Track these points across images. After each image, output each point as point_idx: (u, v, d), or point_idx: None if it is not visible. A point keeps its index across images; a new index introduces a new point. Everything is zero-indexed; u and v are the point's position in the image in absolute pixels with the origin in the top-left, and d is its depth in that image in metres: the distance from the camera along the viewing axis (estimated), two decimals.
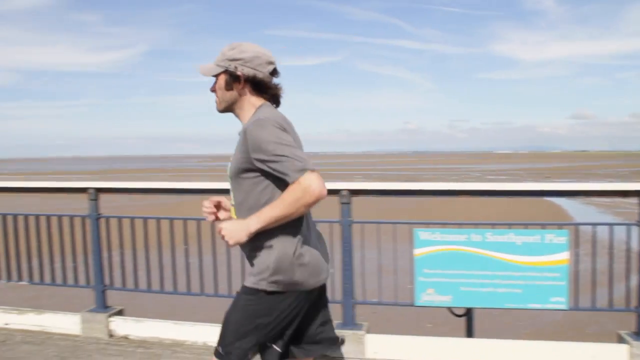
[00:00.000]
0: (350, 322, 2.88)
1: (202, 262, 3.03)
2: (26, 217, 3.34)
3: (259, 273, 1.54)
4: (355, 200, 2.85)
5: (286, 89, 1.65)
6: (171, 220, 3.09)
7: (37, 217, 3.34)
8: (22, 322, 3.39)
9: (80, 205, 3.41)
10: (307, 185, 1.39)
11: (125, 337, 3.18)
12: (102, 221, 3.19)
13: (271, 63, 1.62)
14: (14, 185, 3.70)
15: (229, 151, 1.70)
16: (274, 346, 1.63)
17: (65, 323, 3.28)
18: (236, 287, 2.80)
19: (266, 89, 1.61)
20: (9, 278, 3.41)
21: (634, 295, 2.65)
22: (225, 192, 1.78)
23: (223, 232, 1.49)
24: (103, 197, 3.23)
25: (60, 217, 3.28)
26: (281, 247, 1.52)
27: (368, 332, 2.86)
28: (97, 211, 3.17)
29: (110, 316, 3.19)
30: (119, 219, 3.18)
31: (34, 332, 3.32)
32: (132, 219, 3.15)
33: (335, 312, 2.74)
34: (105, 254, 3.21)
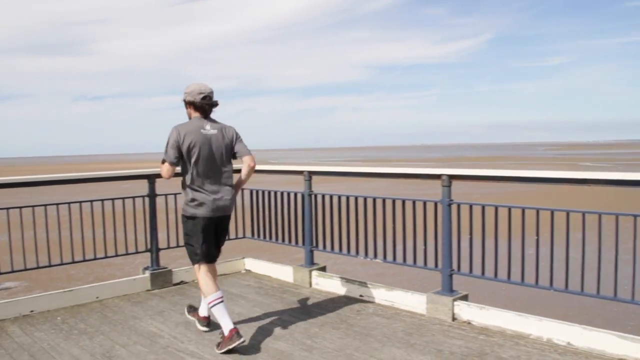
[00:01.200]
0: None
1: (552, 254, 4.49)
2: (384, 200, 5.52)
3: (182, 207, 4.72)
4: None
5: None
6: (523, 209, 4.66)
7: (391, 200, 5.46)
8: (374, 295, 5.59)
9: (427, 191, 5.36)
10: (161, 167, 4.59)
11: (468, 322, 4.92)
12: (454, 207, 5.03)
13: (201, 93, 4.51)
14: (369, 170, 6.02)
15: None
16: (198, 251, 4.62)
17: (412, 301, 5.28)
18: (589, 286, 4.19)
19: (197, 107, 4.57)
20: (366, 255, 5.66)
21: None
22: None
23: None
24: (454, 183, 5.07)
25: (414, 201, 5.30)
26: (184, 195, 4.63)
27: None
28: (449, 197, 5.03)
29: (455, 300, 5.00)
30: (470, 205, 4.95)
31: (384, 306, 5.46)
32: (483, 206, 4.87)
33: None
34: (454, 239, 5.03)
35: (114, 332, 4.97)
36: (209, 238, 4.61)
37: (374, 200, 5.65)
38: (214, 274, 4.68)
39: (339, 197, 6.00)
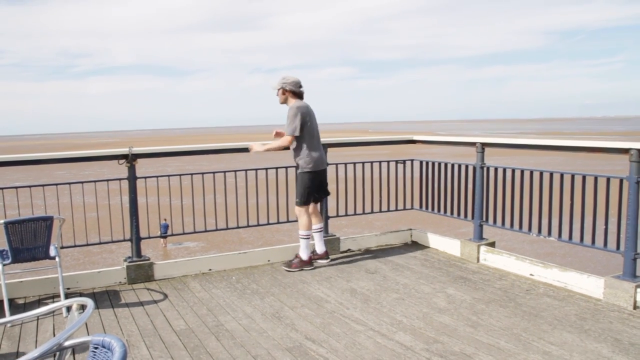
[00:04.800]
0: None
1: None
2: (561, 175, 5.34)
3: (302, 166, 6.18)
4: None
5: None
6: None
7: (570, 175, 5.27)
8: (546, 275, 5.48)
9: (604, 167, 5.07)
10: (285, 139, 6.10)
11: None
12: None
13: (299, 84, 6.13)
14: (546, 143, 5.86)
15: None
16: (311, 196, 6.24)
17: (587, 285, 5.10)
18: None
19: (297, 94, 6.15)
20: (539, 232, 5.54)
21: None
22: None
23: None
24: None
25: (596, 177, 5.08)
26: (304, 156, 6.14)
27: None
28: (638, 174, 4.75)
29: (638, 287, 4.74)
30: None
31: (555, 287, 5.33)
32: None
33: None
34: None
35: (283, 294, 5.36)
36: (317, 186, 6.24)
37: (551, 174, 5.48)
38: (314, 213, 6.35)
39: (513, 171, 5.89)
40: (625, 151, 4.85)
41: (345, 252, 6.87)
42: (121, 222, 5.96)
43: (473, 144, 6.36)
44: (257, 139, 7.48)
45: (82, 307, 2.28)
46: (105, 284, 5.71)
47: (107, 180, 5.97)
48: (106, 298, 5.37)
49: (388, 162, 7.18)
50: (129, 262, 5.81)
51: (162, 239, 18.48)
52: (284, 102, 6.17)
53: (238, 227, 6.60)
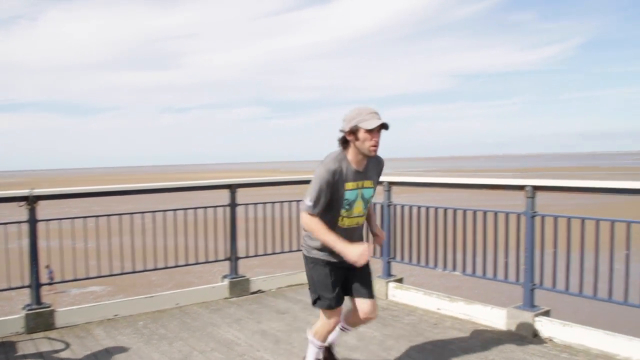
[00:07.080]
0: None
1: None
2: (464, 211, 5.53)
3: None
4: None
5: None
6: (612, 222, 4.55)
7: (472, 211, 5.46)
8: (452, 309, 5.61)
9: (506, 202, 5.33)
10: None
11: (550, 340, 4.86)
12: (537, 219, 4.98)
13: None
14: (450, 181, 6.05)
15: None
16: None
17: (491, 316, 5.27)
18: None
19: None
20: (445, 267, 5.68)
21: None
22: None
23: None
24: (538, 194, 5.03)
25: (496, 213, 5.29)
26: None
27: None
28: (533, 209, 5.00)
29: (536, 316, 4.95)
30: (555, 218, 4.89)
31: (462, 320, 5.47)
32: (569, 218, 4.80)
33: None
34: (537, 253, 4.98)
35: (192, 339, 5.21)
36: None
37: (454, 211, 5.68)
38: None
39: (419, 208, 6.05)
40: (521, 188, 5.09)
41: (256, 292, 6.77)
42: (20, 267, 5.63)
43: (380, 182, 6.47)
44: (168, 179, 7.33)
45: None
46: (1, 335, 5.36)
47: (5, 224, 5.63)
48: (1, 351, 5.03)
49: (297, 201, 7.19)
50: (28, 309, 5.48)
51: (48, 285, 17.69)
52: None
53: (145, 270, 6.37)
